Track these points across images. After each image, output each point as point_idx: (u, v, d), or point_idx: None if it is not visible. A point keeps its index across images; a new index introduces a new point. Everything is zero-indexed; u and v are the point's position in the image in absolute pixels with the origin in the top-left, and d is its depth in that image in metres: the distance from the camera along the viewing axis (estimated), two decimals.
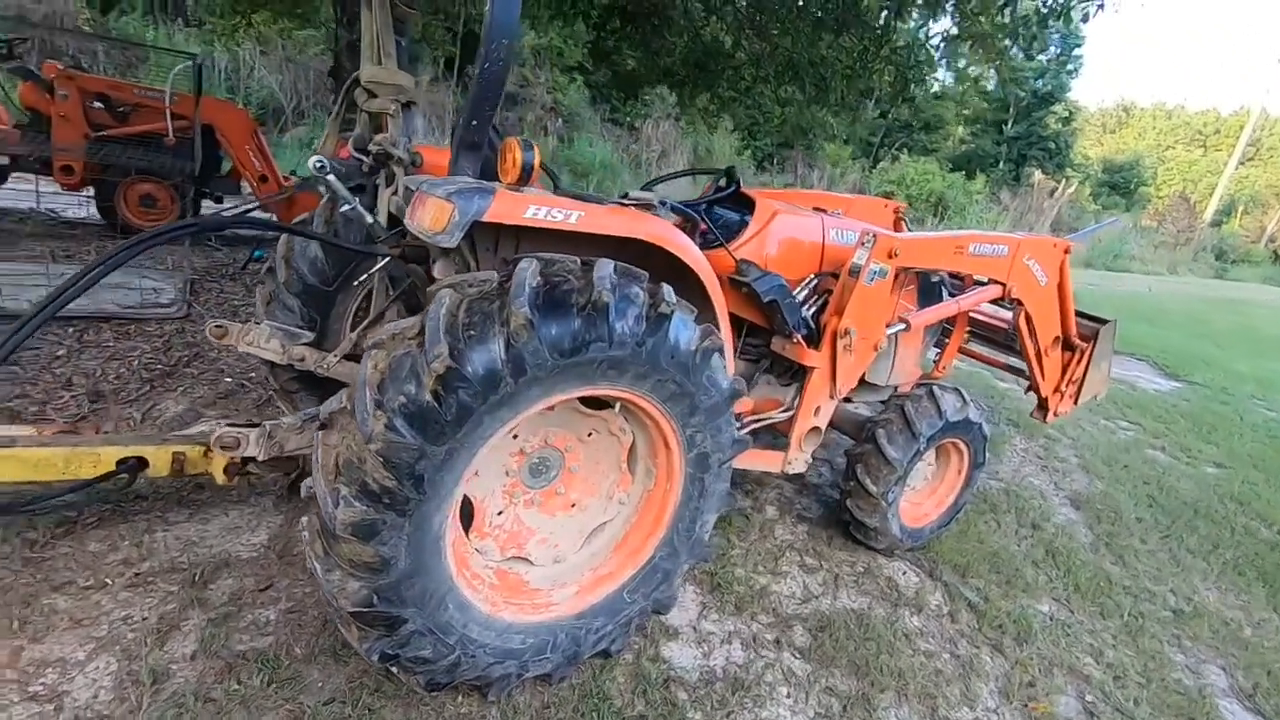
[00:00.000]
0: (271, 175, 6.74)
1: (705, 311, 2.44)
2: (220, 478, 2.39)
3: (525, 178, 1.98)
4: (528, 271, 1.84)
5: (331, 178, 2.20)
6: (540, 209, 1.94)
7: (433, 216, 1.83)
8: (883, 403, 3.55)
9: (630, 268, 2.06)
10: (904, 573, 3.42)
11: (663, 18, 5.64)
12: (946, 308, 3.48)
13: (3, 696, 1.96)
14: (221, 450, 2.26)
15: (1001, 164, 32.10)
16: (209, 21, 9.73)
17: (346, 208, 2.52)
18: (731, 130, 19.98)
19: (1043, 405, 3.97)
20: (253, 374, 4.12)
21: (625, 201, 2.34)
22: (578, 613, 2.29)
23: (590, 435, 2.37)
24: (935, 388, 3.36)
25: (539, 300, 1.81)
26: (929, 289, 3.65)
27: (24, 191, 6.03)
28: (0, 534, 2.49)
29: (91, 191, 6.28)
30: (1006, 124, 33.03)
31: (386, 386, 1.72)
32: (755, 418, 3.16)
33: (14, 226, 6.02)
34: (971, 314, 4.19)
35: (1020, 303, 3.54)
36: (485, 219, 1.87)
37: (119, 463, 2.23)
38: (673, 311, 2.03)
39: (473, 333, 1.75)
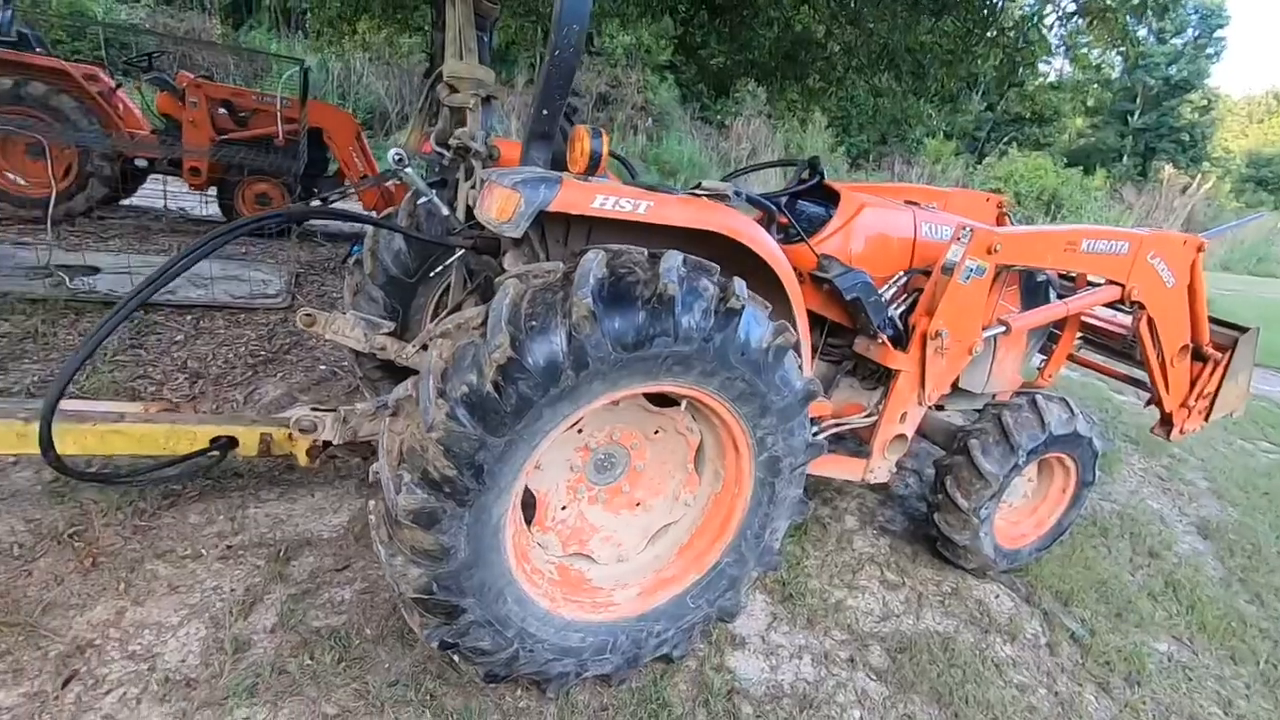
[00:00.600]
0: (373, 174, 7.08)
1: (782, 308, 2.33)
2: (303, 459, 2.49)
3: (593, 167, 1.93)
4: (593, 262, 1.79)
5: (409, 170, 2.25)
6: (608, 199, 1.89)
7: (499, 206, 1.82)
8: (978, 411, 3.30)
9: (701, 260, 1.98)
10: (997, 596, 3.15)
11: (753, 8, 5.48)
12: (1053, 310, 3.19)
13: (106, 653, 2.11)
14: (300, 433, 2.36)
15: (1125, 158, 29.59)
16: (321, 31, 10.37)
17: (423, 200, 2.57)
18: (825, 126, 19.37)
19: (1166, 421, 3.57)
20: (344, 363, 4.31)
21: (697, 192, 2.26)
22: (639, 614, 2.23)
23: (657, 433, 2.30)
24: (1039, 397, 3.08)
25: (603, 292, 1.76)
26: (1034, 289, 3.35)
27: (155, 191, 6.60)
28: (115, 502, 2.71)
29: (214, 191, 6.81)
30: (1133, 114, 30.41)
31: (449, 375, 1.72)
32: (835, 422, 3.00)
33: (149, 224, 6.61)
34: (1084, 318, 3.83)
35: (1142, 306, 3.19)
36: (551, 209, 1.84)
37: (212, 441, 2.37)
38: (743, 306, 1.93)
39: (535, 323, 1.72)
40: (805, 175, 3.15)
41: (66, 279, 4.53)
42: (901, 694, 2.49)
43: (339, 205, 6.24)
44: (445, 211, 2.47)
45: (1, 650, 2.05)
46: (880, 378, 3.08)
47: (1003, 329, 3.04)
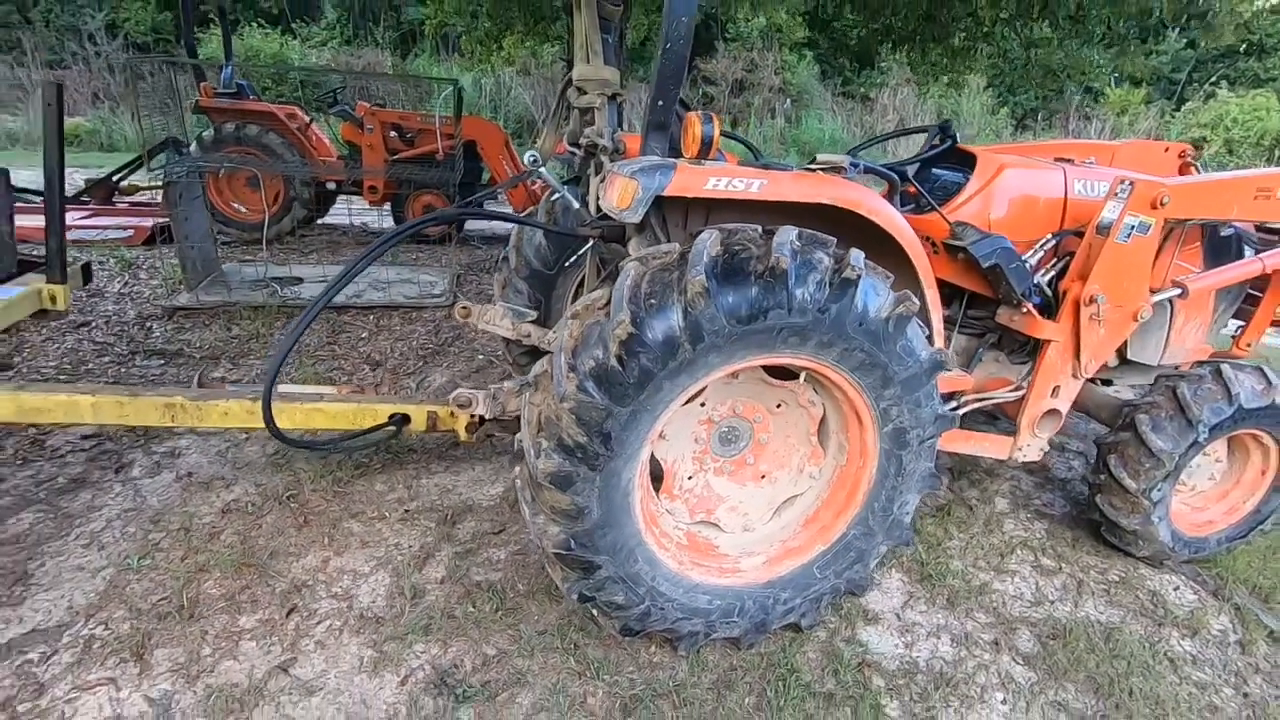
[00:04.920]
0: (530, 184, 7.61)
1: (909, 279, 2.28)
2: (463, 435, 2.82)
3: (705, 150, 2.02)
4: (707, 242, 1.89)
5: (543, 170, 2.47)
6: (721, 180, 1.97)
7: (619, 194, 1.97)
8: (1151, 385, 2.98)
9: (817, 234, 2.00)
10: (1176, 588, 2.85)
11: None
12: (1245, 268, 2.82)
13: (316, 592, 2.55)
14: (459, 408, 2.68)
15: None
16: (472, 51, 11.25)
17: (556, 197, 2.79)
18: (984, 88, 17.80)
19: None
20: (499, 352, 4.73)
21: (813, 167, 2.27)
22: (765, 582, 2.31)
23: (779, 407, 2.36)
24: (1226, 366, 2.74)
25: (716, 269, 1.85)
26: (1221, 246, 2.98)
27: (342, 210, 7.58)
28: (320, 471, 3.22)
29: (388, 206, 7.67)
30: None
31: (579, 352, 1.90)
32: (977, 396, 2.86)
33: (339, 239, 7.60)
34: None
35: None
36: (668, 193, 1.95)
37: (390, 417, 2.76)
38: (859, 277, 1.93)
39: (653, 301, 1.85)
40: (937, 141, 3.02)
41: (279, 289, 5.37)
42: (1053, 680, 2.36)
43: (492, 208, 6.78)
44: (576, 205, 2.67)
45: (243, 584, 2.54)
46: (1029, 350, 2.89)
47: (1178, 292, 2.74)
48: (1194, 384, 2.70)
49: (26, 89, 15.13)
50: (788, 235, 1.92)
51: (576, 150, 3.00)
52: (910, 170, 3.01)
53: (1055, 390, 2.78)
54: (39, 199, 7.63)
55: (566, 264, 3.20)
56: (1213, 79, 21.27)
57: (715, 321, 1.84)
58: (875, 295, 1.99)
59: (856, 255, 1.97)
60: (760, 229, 1.99)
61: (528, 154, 2.44)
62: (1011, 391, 2.86)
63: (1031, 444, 2.88)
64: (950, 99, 17.95)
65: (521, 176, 5.83)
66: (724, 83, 17.88)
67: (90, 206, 7.42)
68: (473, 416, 2.75)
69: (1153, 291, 2.73)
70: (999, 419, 3.18)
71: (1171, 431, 2.66)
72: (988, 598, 2.73)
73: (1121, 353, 3.06)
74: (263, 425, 2.57)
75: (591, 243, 2.72)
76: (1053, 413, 2.82)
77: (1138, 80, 20.66)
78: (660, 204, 2.23)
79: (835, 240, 2.01)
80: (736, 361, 1.96)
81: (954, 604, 2.69)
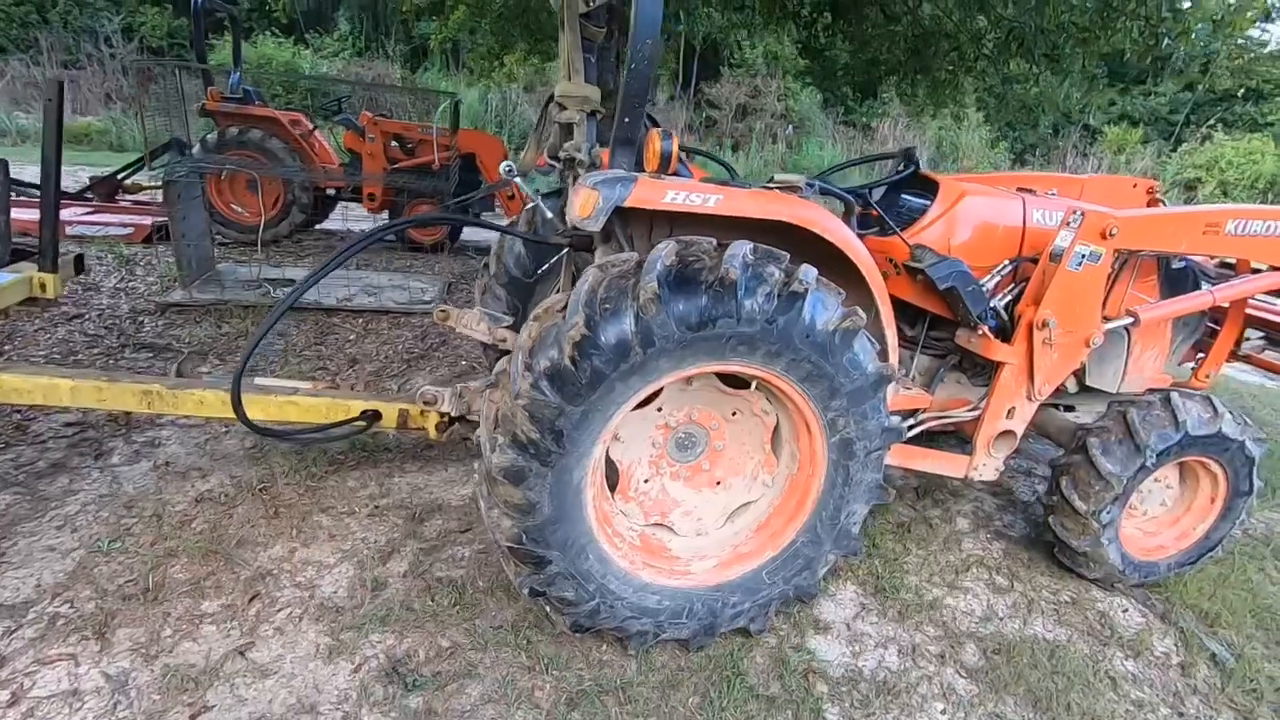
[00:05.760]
0: (519, 195, 7.74)
1: (864, 298, 2.37)
2: (433, 433, 2.90)
3: (664, 166, 2.12)
4: (662, 251, 1.98)
5: (518, 180, 2.57)
6: (679, 194, 2.07)
7: (581, 204, 2.06)
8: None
9: (770, 249, 2.10)
10: (1124, 610, 2.91)
11: (876, 4, 5.36)
12: (1196, 300, 2.91)
13: (280, 581, 2.61)
14: (425, 405, 2.76)
15: None
16: (474, 66, 11.48)
17: (529, 205, 2.90)
18: (982, 122, 18.09)
19: None
20: (483, 359, 4.82)
21: (770, 185, 2.37)
22: (714, 585, 2.37)
23: (735, 415, 2.43)
24: (1175, 394, 2.82)
25: (669, 277, 1.94)
26: (1176, 278, 3.08)
27: (336, 217, 7.70)
28: (294, 465, 3.29)
29: (387, 214, 7.80)
30: None
31: (536, 351, 1.99)
32: (934, 415, 2.94)
33: (335, 244, 7.71)
34: (1257, 311, 3.42)
35: None
36: (627, 204, 2.05)
37: (361, 412, 2.83)
38: (806, 290, 2.02)
39: (608, 306, 1.94)
40: (901, 167, 3.13)
41: (271, 289, 5.47)
42: (993, 694, 2.41)
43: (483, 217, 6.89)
44: (550, 215, 2.77)
45: (209, 571, 2.60)
46: (989, 372, 2.97)
47: (1130, 320, 2.83)
48: (1143, 410, 2.78)
49: (40, 87, 15.39)
50: (741, 249, 2.01)
51: (556, 163, 3.11)
52: (876, 194, 3.11)
53: (1010, 412, 2.86)
54: (39, 193, 7.80)
55: (543, 271, 3.29)
56: (1210, 121, 21.58)
57: (666, 327, 1.93)
58: (823, 308, 2.08)
59: (806, 270, 2.07)
60: (715, 242, 2.08)
61: (502, 165, 2.55)
62: (969, 411, 2.94)
63: (987, 463, 2.95)
64: (950, 131, 18.24)
65: (495, 186, 6.02)
66: (727, 107, 18.17)
67: (94, 203, 7.55)
68: (442, 415, 2.83)
69: (1107, 319, 2.82)
70: (967, 439, 3.25)
71: (1120, 455, 2.74)
72: (939, 612, 2.79)
73: (1081, 379, 3.15)
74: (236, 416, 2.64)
75: (564, 251, 2.81)
76: (1007, 434, 2.89)
77: (1135, 120, 21.00)
78: (626, 216, 2.33)
79: (788, 255, 2.10)
80: (687, 367, 2.04)
81: (905, 617, 2.74)
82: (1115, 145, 19.62)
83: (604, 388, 1.96)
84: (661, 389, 2.19)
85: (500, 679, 2.26)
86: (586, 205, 2.04)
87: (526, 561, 2.13)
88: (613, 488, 2.42)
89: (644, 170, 2.22)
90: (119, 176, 7.71)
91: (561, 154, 2.98)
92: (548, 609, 2.30)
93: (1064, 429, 3.16)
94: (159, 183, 6.82)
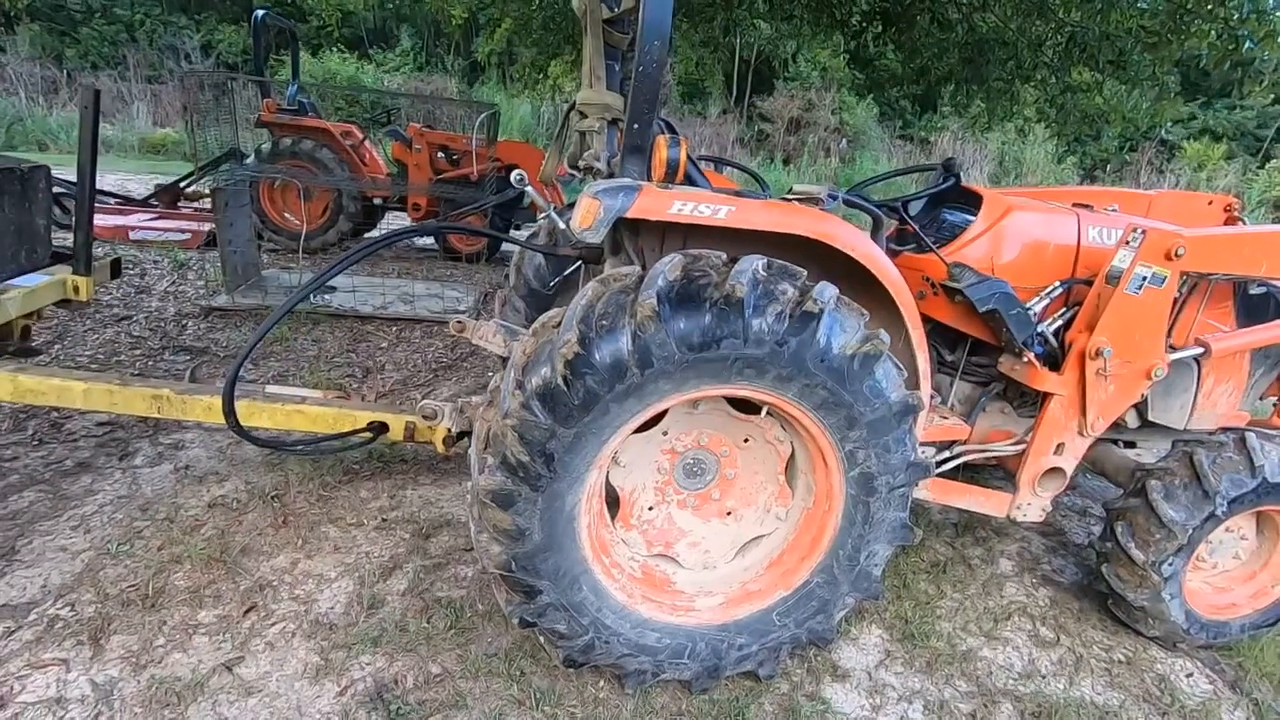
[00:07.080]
0: (559, 204, 7.73)
1: (895, 320, 2.19)
2: (440, 447, 2.82)
3: (671, 174, 2.00)
4: (665, 265, 1.85)
5: (529, 189, 2.48)
6: (686, 205, 1.94)
7: (582, 214, 1.95)
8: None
9: (786, 265, 1.94)
10: (1188, 674, 2.60)
11: (929, 13, 5.11)
12: (1275, 330, 2.60)
13: (279, 593, 2.56)
14: (424, 419, 2.68)
15: None
16: (519, 78, 11.63)
17: (543, 216, 2.81)
18: (1048, 137, 17.33)
19: None
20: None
21: (789, 197, 2.21)
22: (720, 624, 2.20)
23: (746, 441, 2.27)
24: (1252, 435, 2.51)
25: (671, 293, 1.81)
26: (1255, 305, 2.77)
27: (384, 226, 7.84)
28: (308, 474, 3.27)
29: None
30: None
31: (529, 369, 1.88)
32: (973, 448, 2.71)
33: (380, 253, 7.84)
34: None
35: None
36: (630, 215, 1.93)
37: (368, 424, 2.78)
38: (822, 310, 1.86)
39: (604, 322, 1.81)
40: (939, 180, 2.92)
41: (312, 296, 5.55)
42: None
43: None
44: (561, 225, 2.67)
45: (210, 579, 2.57)
46: (1037, 403, 2.73)
47: (1200, 351, 2.55)
48: (1213, 451, 2.49)
49: (125, 100, 16.37)
50: (751, 263, 1.86)
51: (577, 172, 3.02)
52: (914, 208, 2.91)
53: (1059, 448, 2.61)
54: (111, 200, 8.20)
55: (562, 284, 3.20)
56: None
57: (665, 347, 1.79)
58: (840, 330, 1.90)
59: (824, 288, 1.90)
60: (725, 256, 1.94)
61: (514, 173, 2.46)
62: (1012, 445, 2.70)
63: (1032, 503, 2.70)
64: (1014, 145, 17.55)
65: (504, 195, 6.06)
66: (780, 120, 17.95)
67: (157, 210, 7.90)
68: (449, 431, 2.75)
69: (1173, 349, 2.55)
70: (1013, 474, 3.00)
71: (1185, 501, 2.45)
72: (972, 665, 2.54)
73: (1144, 413, 2.86)
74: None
75: (577, 263, 2.71)
76: (1055, 471, 2.64)
77: (1218, 135, 19.80)
78: (636, 228, 2.21)
79: (805, 273, 1.94)
80: (689, 390, 1.90)
81: (934, 668, 2.51)
82: (1195, 161, 18.52)
83: (598, 409, 1.83)
84: (665, 412, 2.05)
85: (488, 712, 2.15)
86: (587, 216, 1.93)
87: (517, 590, 2.01)
88: (613, 513, 2.28)
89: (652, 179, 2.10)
90: (181, 184, 8.04)
91: (580, 163, 2.88)
92: (542, 639, 2.18)
93: (1122, 467, 2.87)
94: None
